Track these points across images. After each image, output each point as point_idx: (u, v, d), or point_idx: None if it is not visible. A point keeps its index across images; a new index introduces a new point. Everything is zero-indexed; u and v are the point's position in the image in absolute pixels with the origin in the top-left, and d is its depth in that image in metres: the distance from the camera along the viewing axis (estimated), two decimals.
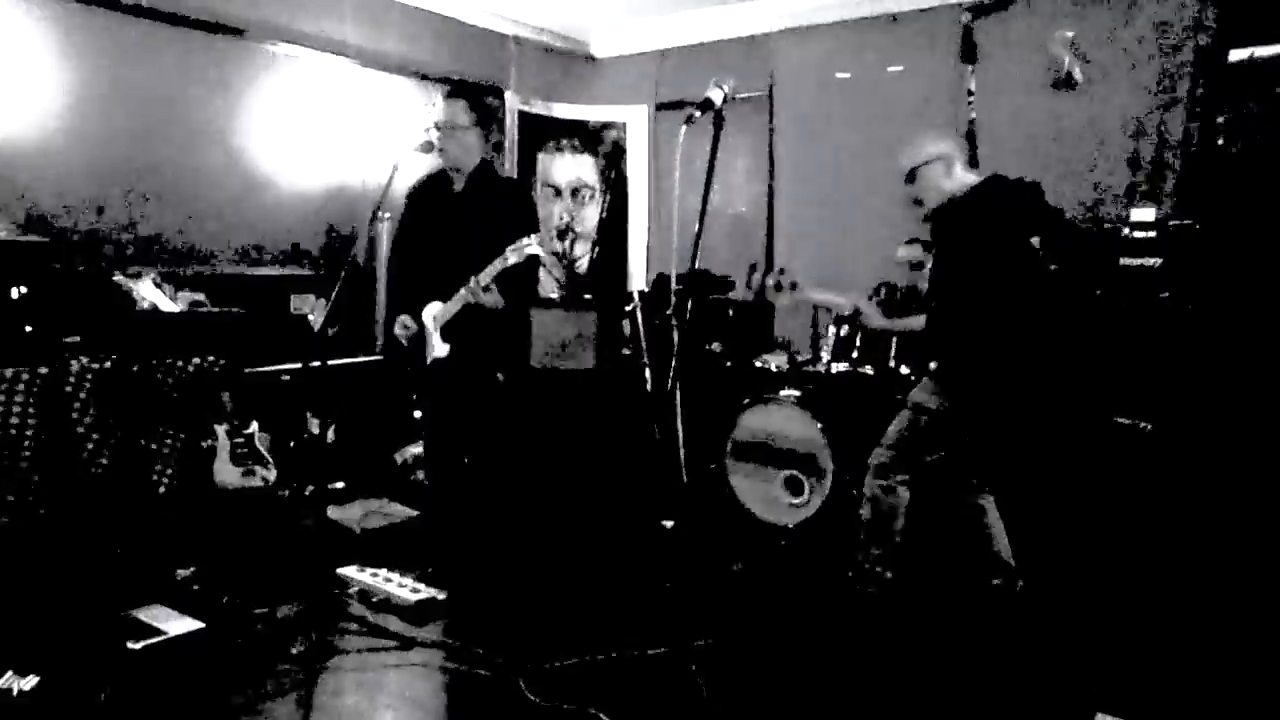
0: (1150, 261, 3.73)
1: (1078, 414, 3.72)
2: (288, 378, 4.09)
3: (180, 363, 3.68)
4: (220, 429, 3.73)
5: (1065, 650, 2.98)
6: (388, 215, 3.84)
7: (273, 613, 3.08)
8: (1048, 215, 3.01)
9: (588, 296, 5.17)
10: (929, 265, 3.44)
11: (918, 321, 3.34)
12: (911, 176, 3.14)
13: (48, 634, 2.85)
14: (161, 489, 3.61)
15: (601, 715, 2.44)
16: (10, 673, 2.49)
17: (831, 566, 3.77)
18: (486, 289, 3.23)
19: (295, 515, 3.92)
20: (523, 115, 5.96)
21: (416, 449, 4.73)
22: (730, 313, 5.07)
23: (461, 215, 3.43)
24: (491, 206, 3.40)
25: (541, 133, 6.06)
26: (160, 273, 4.01)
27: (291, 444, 4.14)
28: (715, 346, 4.99)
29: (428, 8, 5.38)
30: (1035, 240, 2.96)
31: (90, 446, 3.40)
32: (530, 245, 3.20)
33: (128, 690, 2.54)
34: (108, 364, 3.45)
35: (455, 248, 3.36)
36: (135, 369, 3.52)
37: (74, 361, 3.38)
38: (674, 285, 4.38)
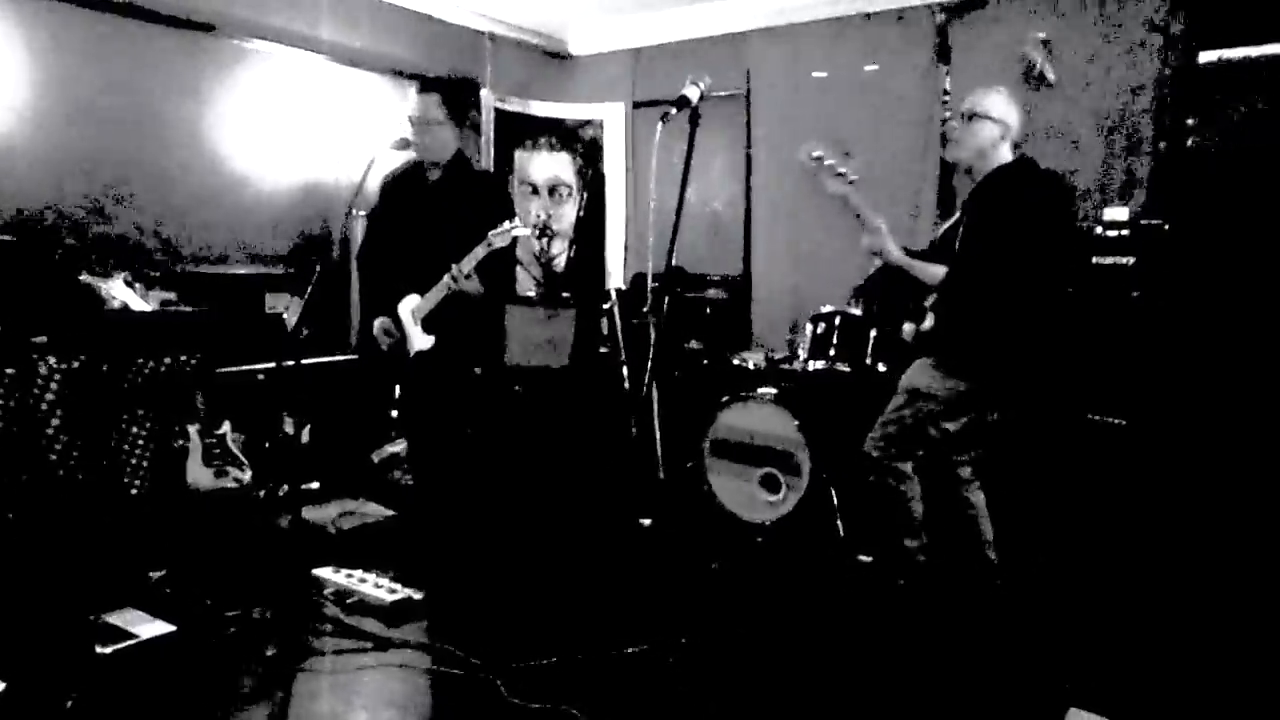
0: (1123, 260, 3.78)
1: (1054, 410, 3.76)
2: (262, 377, 4.05)
3: (152, 362, 3.63)
4: (193, 429, 3.68)
5: (1039, 646, 3.01)
6: (362, 212, 3.82)
7: (247, 615, 3.04)
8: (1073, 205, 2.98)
9: (565, 295, 5.16)
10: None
11: (936, 270, 3.07)
12: (970, 117, 3.08)
13: (15, 640, 2.79)
14: (133, 490, 3.55)
15: (580, 714, 2.43)
16: None
17: (808, 563, 3.79)
18: (468, 276, 3.23)
19: (269, 516, 3.88)
20: (499, 113, 5.94)
21: (394, 448, 4.70)
22: (708, 311, 5.08)
23: (436, 207, 3.41)
24: (466, 198, 3.39)
25: (518, 130, 6.04)
26: (131, 271, 3.95)
27: (266, 444, 4.10)
28: (693, 344, 5.00)
29: (402, 4, 5.33)
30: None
31: (59, 448, 3.34)
32: (515, 228, 3.19)
33: (97, 696, 2.50)
34: (76, 364, 3.40)
35: (430, 239, 3.34)
36: (105, 369, 3.46)
37: (42, 362, 3.32)
38: (650, 283, 4.38)
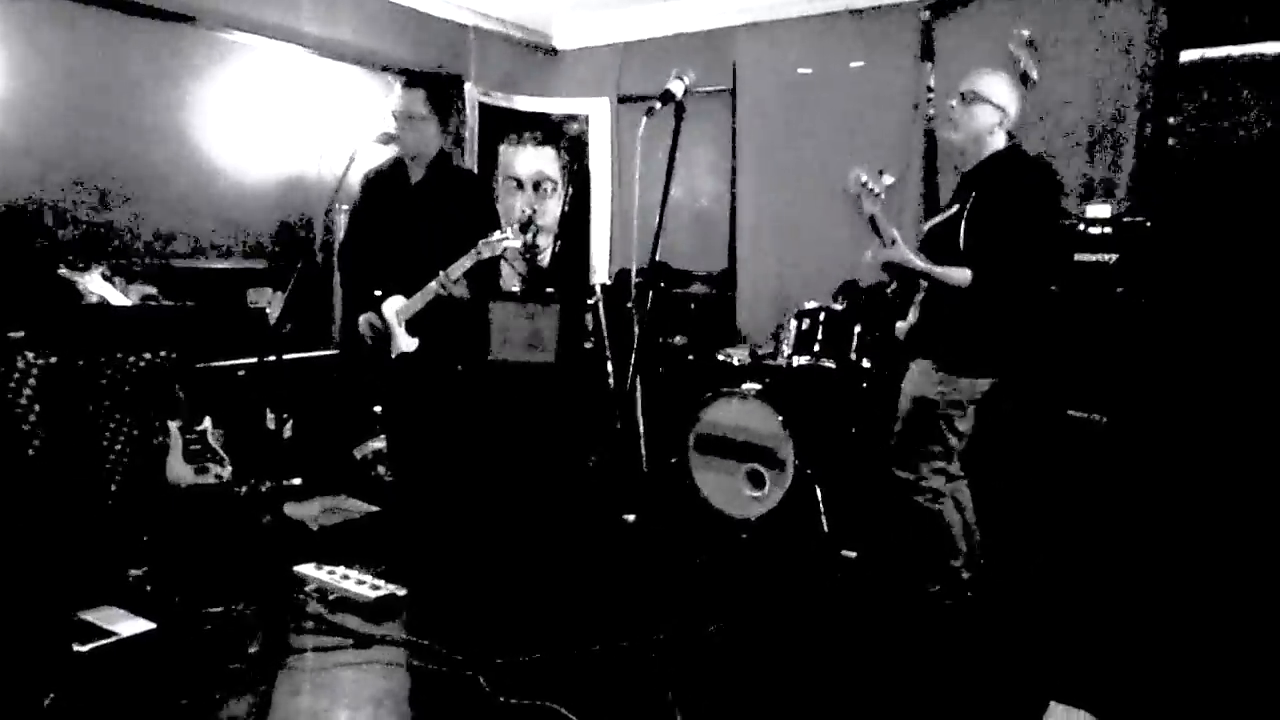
0: (1105, 257, 3.79)
1: (1035, 406, 3.78)
2: (243, 372, 4.01)
3: (131, 358, 3.60)
4: (173, 425, 3.64)
5: (1020, 641, 3.02)
6: (345, 207, 3.80)
7: (228, 612, 3.02)
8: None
9: (550, 290, 5.15)
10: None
11: (960, 275, 2.87)
12: (970, 99, 2.97)
13: None
14: (112, 487, 3.52)
15: (564, 710, 2.43)
16: None
17: (792, 559, 3.80)
18: (456, 282, 3.21)
19: (251, 512, 3.86)
20: (484, 107, 5.91)
21: (376, 444, 4.68)
22: (692, 306, 5.07)
23: (418, 207, 3.39)
24: (449, 200, 3.37)
25: (503, 125, 6.01)
26: (111, 265, 3.91)
27: (247, 440, 4.07)
28: (677, 339, 4.99)
29: None
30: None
31: (37, 444, 3.31)
32: (506, 239, 3.19)
33: (75, 694, 2.48)
34: (54, 359, 3.36)
35: (413, 240, 3.32)
36: (84, 364, 3.43)
37: (19, 357, 3.28)
38: (635, 279, 4.37)
